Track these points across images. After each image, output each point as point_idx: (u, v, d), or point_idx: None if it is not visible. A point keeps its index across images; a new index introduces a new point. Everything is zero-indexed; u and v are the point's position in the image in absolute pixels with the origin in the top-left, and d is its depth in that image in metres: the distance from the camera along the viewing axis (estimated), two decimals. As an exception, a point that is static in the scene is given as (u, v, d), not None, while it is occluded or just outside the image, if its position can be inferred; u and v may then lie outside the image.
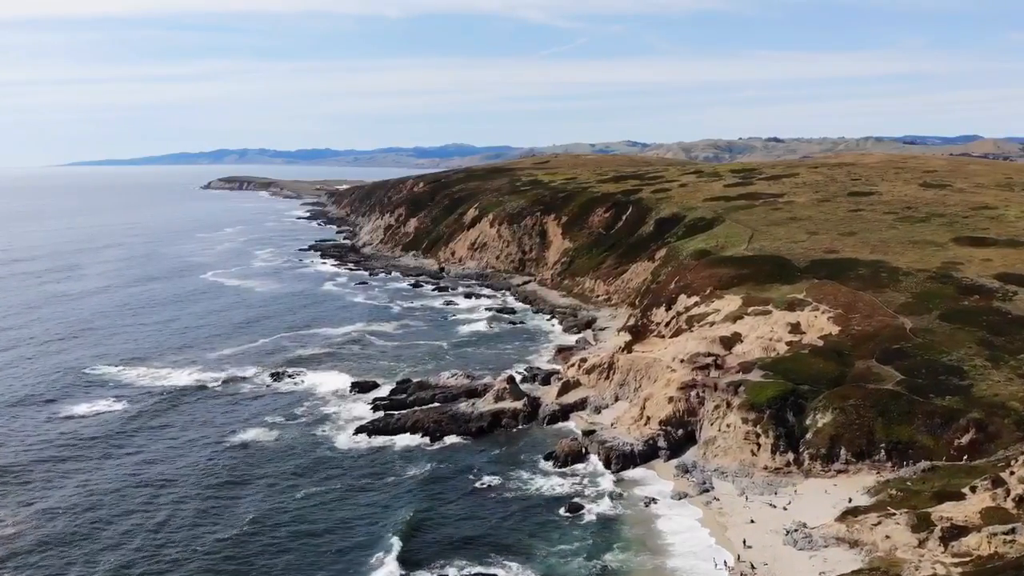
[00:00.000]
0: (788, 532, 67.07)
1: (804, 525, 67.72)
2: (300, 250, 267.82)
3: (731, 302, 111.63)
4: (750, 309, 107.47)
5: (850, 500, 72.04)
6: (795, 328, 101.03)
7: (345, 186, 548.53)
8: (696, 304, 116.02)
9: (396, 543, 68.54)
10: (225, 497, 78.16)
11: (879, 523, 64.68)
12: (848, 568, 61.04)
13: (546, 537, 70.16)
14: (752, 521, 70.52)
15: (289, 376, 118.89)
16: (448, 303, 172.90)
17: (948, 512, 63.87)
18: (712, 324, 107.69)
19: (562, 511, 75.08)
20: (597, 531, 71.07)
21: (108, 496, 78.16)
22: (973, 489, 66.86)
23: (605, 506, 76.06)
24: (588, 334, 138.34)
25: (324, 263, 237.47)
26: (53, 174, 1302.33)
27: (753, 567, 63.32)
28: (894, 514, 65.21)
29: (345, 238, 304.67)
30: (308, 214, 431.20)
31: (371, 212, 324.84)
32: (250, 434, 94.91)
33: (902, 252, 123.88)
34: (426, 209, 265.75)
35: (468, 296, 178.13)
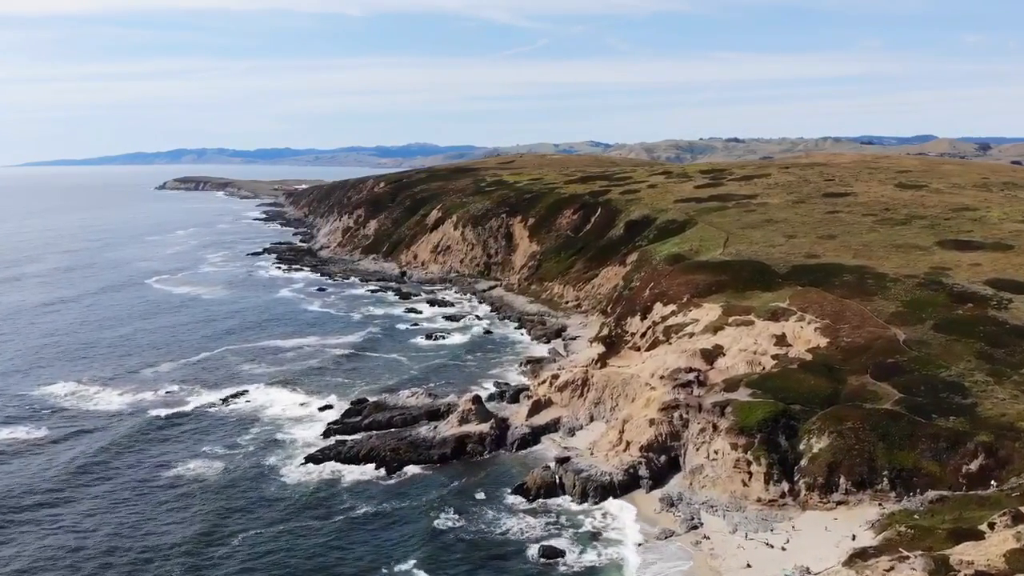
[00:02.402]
0: (790, 579, 59.55)
1: (807, 571, 60.33)
2: (254, 254, 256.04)
3: (710, 311, 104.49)
4: (731, 319, 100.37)
5: (854, 537, 64.83)
6: (780, 340, 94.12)
7: (304, 186, 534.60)
8: (673, 313, 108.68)
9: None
10: (149, 551, 68.18)
11: (891, 568, 57.34)
12: (861, 624, 53.84)
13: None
14: (748, 565, 62.92)
15: (234, 396, 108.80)
16: (410, 310, 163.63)
17: (968, 555, 56.75)
18: (691, 336, 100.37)
19: (533, 558, 66.66)
20: (576, 582, 62.81)
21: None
22: (991, 526, 60.06)
23: (582, 550, 67.77)
24: (559, 344, 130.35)
25: (278, 268, 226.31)
26: (5, 175, 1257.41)
27: (754, 623, 55.71)
28: (908, 557, 57.97)
29: (302, 240, 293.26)
30: (264, 215, 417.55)
31: (329, 213, 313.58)
32: (187, 468, 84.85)
33: (886, 256, 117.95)
34: (387, 210, 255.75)
35: (431, 303, 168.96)
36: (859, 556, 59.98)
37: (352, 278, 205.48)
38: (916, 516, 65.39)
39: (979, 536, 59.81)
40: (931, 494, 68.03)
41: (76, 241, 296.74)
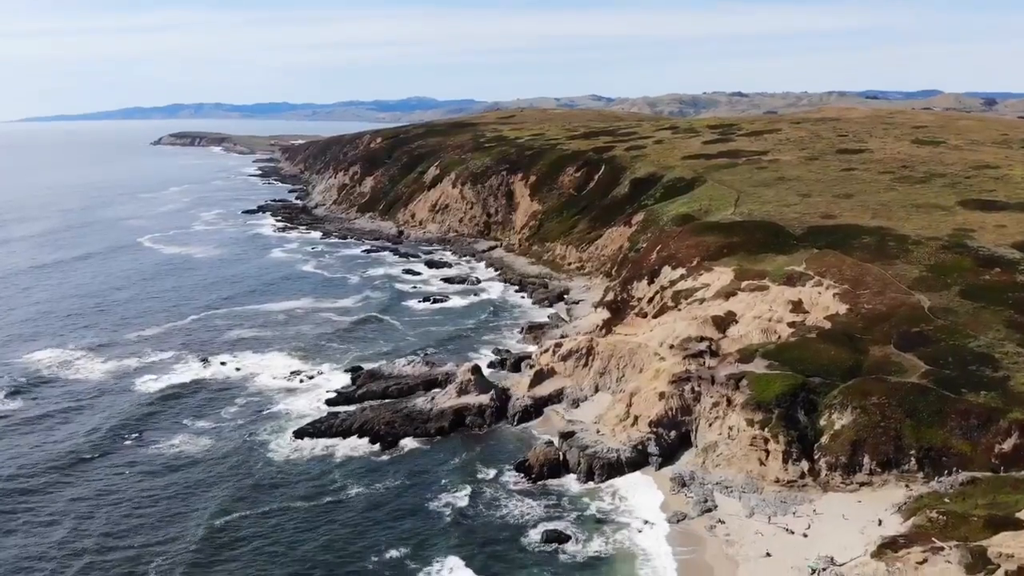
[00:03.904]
0: (814, 571, 55.22)
1: (832, 561, 55.92)
2: (248, 211, 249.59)
3: (722, 275, 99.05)
4: (744, 284, 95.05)
5: (880, 522, 60.48)
6: (797, 307, 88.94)
7: (300, 141, 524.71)
8: (682, 277, 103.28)
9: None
10: (125, 535, 63.81)
11: (925, 560, 52.96)
12: (893, 622, 49.58)
13: (516, 582, 57.37)
14: (768, 554, 58.56)
15: (223, 363, 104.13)
16: (407, 272, 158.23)
17: (1008, 547, 52.23)
18: (702, 302, 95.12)
19: (536, 543, 62.31)
20: (579, 574, 58.37)
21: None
22: (1031, 513, 55.66)
23: (588, 536, 63.35)
24: (561, 308, 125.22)
25: (273, 226, 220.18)
26: (3, 131, 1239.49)
27: (776, 621, 51.46)
28: (942, 548, 53.56)
29: (297, 198, 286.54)
30: (260, 171, 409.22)
31: (325, 170, 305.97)
32: (170, 444, 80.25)
33: (907, 217, 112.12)
34: (383, 167, 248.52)
35: (430, 264, 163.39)
36: (889, 546, 55.48)
37: (348, 237, 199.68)
38: (946, 500, 60.92)
39: (1017, 525, 55.19)
40: (962, 476, 63.50)
41: (71, 199, 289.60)
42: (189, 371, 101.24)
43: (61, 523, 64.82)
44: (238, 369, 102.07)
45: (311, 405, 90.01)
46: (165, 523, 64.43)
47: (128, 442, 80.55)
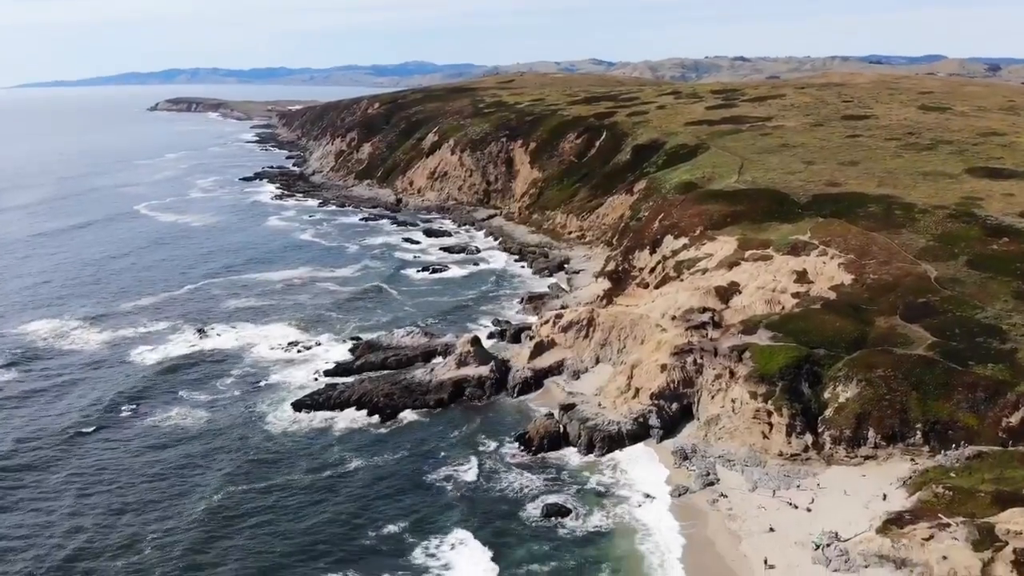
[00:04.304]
0: (818, 547, 54.50)
1: (837, 536, 55.22)
2: (245, 179, 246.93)
3: (725, 245, 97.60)
4: (747, 254, 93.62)
5: (885, 497, 59.77)
6: (801, 277, 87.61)
7: (297, 107, 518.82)
8: (684, 247, 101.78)
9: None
10: (121, 512, 63.05)
11: (931, 537, 52.26)
12: (898, 599, 48.99)
13: (512, 558, 56.58)
14: (771, 529, 57.85)
15: (220, 334, 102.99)
16: (406, 241, 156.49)
17: (1016, 524, 51.52)
18: (705, 272, 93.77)
19: (535, 517, 61.64)
20: (579, 549, 57.69)
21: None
22: (1039, 489, 54.86)
23: (589, 509, 62.69)
24: (561, 278, 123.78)
25: (270, 194, 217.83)
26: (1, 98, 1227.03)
27: (779, 598, 50.85)
28: (949, 524, 52.83)
29: (295, 164, 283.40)
30: (257, 138, 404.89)
31: (322, 136, 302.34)
32: (166, 417, 79.36)
33: (913, 185, 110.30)
34: (381, 133, 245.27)
35: (429, 233, 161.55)
36: (894, 522, 54.79)
37: (346, 205, 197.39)
38: (952, 474, 60.09)
39: (1025, 501, 54.61)
40: (968, 450, 62.60)
41: (67, 166, 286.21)
42: (186, 342, 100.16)
43: (60, 499, 64.13)
44: (234, 340, 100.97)
45: (309, 376, 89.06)
46: (165, 500, 63.68)
47: (125, 416, 79.65)
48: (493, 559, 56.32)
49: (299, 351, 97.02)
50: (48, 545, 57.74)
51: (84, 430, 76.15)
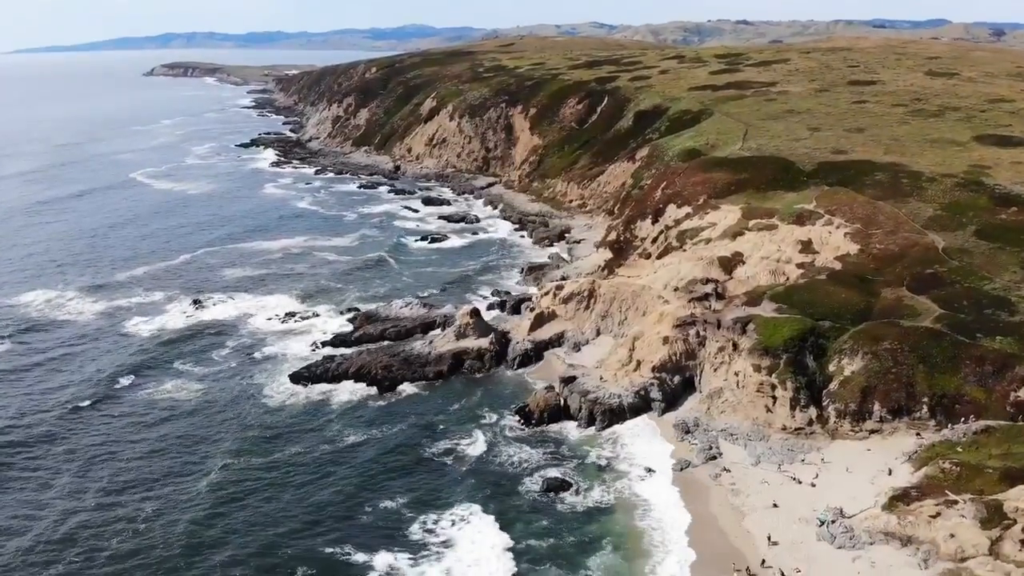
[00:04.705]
0: (823, 523, 53.72)
1: (841, 512, 54.40)
2: (241, 145, 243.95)
3: (729, 214, 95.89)
4: (752, 223, 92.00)
5: (890, 472, 58.89)
6: (806, 247, 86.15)
7: (294, 72, 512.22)
8: (688, 216, 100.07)
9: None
10: (116, 491, 62.16)
11: (938, 514, 51.44)
12: (904, 575, 48.33)
13: (512, 534, 55.76)
14: (775, 505, 57.03)
15: (215, 304, 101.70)
16: (405, 209, 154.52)
17: (1025, 500, 50.71)
18: (708, 242, 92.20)
19: (535, 491, 60.85)
20: (579, 524, 56.94)
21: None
22: (1048, 465, 53.91)
23: (589, 484, 61.86)
24: (562, 247, 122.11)
25: (267, 160, 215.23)
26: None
27: (783, 575, 50.07)
28: (956, 501, 51.97)
29: (291, 131, 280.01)
30: (254, 103, 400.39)
31: (319, 101, 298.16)
32: (161, 390, 78.30)
33: (920, 153, 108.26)
34: (378, 98, 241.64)
35: (427, 202, 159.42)
36: (900, 498, 53.98)
37: (343, 172, 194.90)
38: (959, 449, 59.08)
39: (1034, 477, 53.70)
40: (976, 424, 61.57)
41: (63, 134, 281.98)
42: (182, 312, 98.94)
43: (57, 476, 63.12)
44: (232, 310, 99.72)
45: (307, 348, 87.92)
46: (162, 478, 62.64)
47: (121, 390, 78.50)
48: (496, 534, 55.51)
49: (296, 322, 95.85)
50: (46, 522, 56.85)
51: (80, 405, 74.97)
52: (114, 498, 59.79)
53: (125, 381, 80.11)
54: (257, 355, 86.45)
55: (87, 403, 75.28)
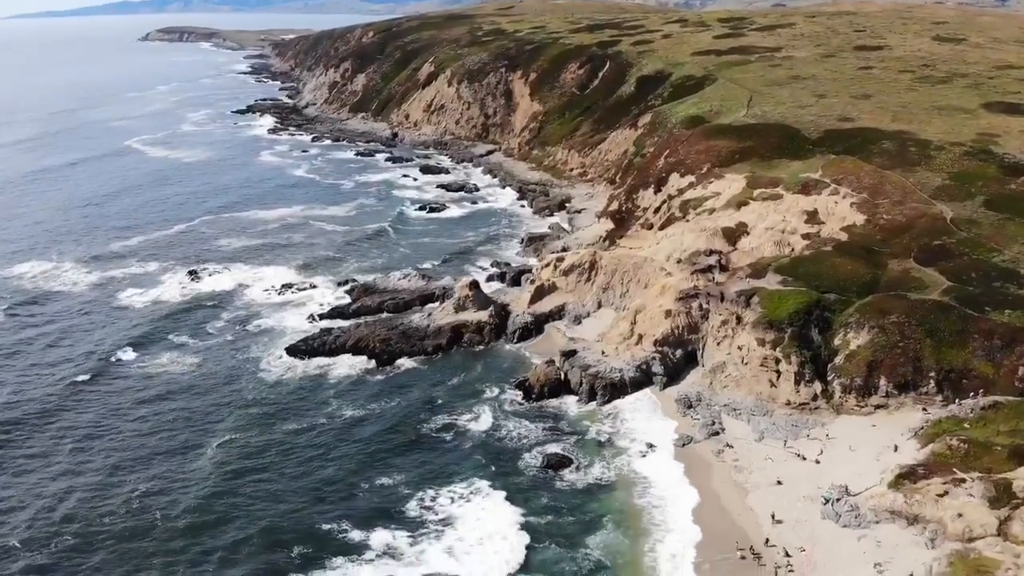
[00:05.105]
0: (828, 501, 52.93)
1: (846, 490, 53.54)
2: (238, 111, 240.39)
3: (733, 183, 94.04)
4: (756, 192, 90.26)
5: (896, 448, 57.95)
6: (812, 217, 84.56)
7: (291, 36, 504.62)
8: (691, 185, 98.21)
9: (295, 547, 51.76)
10: (111, 469, 61.26)
11: (945, 493, 50.59)
12: (911, 555, 47.59)
13: (512, 511, 54.98)
14: (779, 482, 56.22)
15: (211, 274, 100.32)
16: (403, 178, 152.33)
17: (1034, 479, 49.82)
18: (712, 212, 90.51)
19: (535, 467, 60.03)
20: (579, 501, 56.17)
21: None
22: (1058, 442, 52.99)
23: (589, 460, 61.02)
24: (562, 217, 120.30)
25: (262, 127, 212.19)
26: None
27: (788, 555, 49.35)
28: (964, 480, 51.08)
29: (288, 96, 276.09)
30: (250, 68, 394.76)
31: (316, 66, 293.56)
32: (156, 363, 77.23)
33: (928, 120, 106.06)
34: (375, 63, 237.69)
35: (425, 170, 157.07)
36: (907, 476, 53.08)
37: (340, 139, 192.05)
38: (966, 425, 58.16)
39: (1043, 455, 52.77)
40: (983, 399, 60.53)
41: (57, 100, 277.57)
42: (178, 284, 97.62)
43: (55, 455, 61.99)
44: (228, 281, 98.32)
45: (303, 320, 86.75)
46: (160, 455, 61.64)
47: (118, 364, 77.24)
48: (498, 512, 54.89)
49: (293, 293, 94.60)
50: (44, 501, 56.02)
51: (77, 379, 73.76)
52: (109, 477, 58.83)
53: (121, 355, 78.94)
54: (253, 328, 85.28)
55: (84, 378, 74.11)
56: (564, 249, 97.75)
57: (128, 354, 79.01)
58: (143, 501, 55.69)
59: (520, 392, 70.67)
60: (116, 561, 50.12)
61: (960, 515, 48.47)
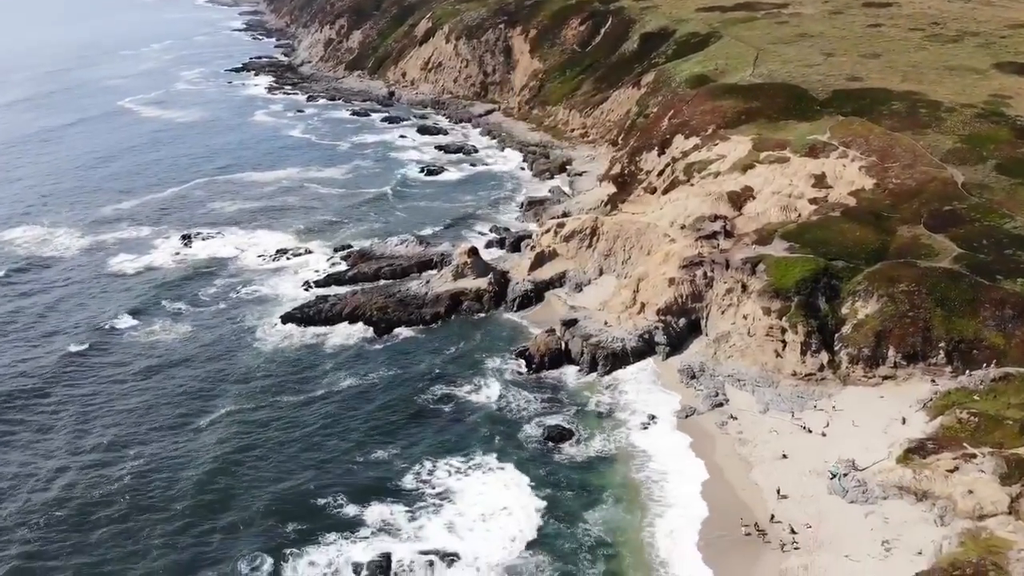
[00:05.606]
0: (834, 476, 51.87)
1: (854, 465, 52.50)
2: (232, 70, 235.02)
3: (739, 145, 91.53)
4: (763, 155, 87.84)
5: (904, 420, 56.84)
6: (819, 181, 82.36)
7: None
8: (696, 148, 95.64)
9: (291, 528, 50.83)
10: (105, 446, 60.07)
11: (956, 469, 49.53)
12: (920, 532, 46.77)
13: (515, 482, 54.26)
14: (784, 456, 55.15)
15: (204, 239, 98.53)
16: (400, 138, 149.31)
17: (1046, 455, 48.72)
18: (717, 175, 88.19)
19: (534, 440, 58.99)
20: (579, 474, 55.23)
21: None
22: (1070, 415, 51.80)
23: (590, 432, 59.97)
24: (563, 180, 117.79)
25: (258, 86, 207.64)
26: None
27: (793, 531, 48.40)
28: (974, 455, 49.97)
29: (283, 54, 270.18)
30: (245, 25, 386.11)
31: (311, 23, 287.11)
32: (148, 331, 75.90)
33: (939, 81, 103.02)
34: (371, 19, 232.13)
35: (422, 131, 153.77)
36: (915, 451, 52.00)
37: (336, 99, 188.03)
38: (976, 397, 56.96)
39: (1056, 428, 51.59)
40: (994, 371, 59.20)
41: (49, 60, 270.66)
42: (171, 249, 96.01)
43: (52, 429, 61.31)
44: (222, 247, 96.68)
45: (299, 287, 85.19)
46: (155, 431, 60.62)
47: (112, 332, 76.15)
48: (499, 484, 54.15)
49: (288, 259, 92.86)
50: (40, 476, 55.37)
51: (72, 349, 72.68)
52: (104, 455, 57.91)
53: (115, 323, 77.69)
54: (248, 294, 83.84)
55: (79, 348, 72.97)
56: (565, 214, 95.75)
57: (122, 322, 77.74)
58: (140, 478, 54.79)
59: (521, 362, 69.36)
60: (113, 538, 49.38)
61: (971, 492, 47.46)
